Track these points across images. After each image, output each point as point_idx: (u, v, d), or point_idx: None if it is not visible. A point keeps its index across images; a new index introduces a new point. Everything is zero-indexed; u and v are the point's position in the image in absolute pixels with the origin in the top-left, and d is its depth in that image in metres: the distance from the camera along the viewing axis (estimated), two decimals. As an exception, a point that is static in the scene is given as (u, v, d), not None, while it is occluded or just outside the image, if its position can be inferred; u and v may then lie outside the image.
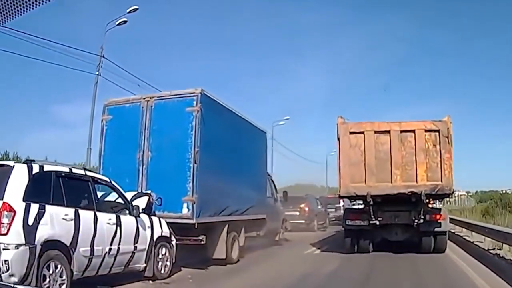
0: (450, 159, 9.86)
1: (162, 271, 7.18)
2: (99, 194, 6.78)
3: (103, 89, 17.03)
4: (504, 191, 46.50)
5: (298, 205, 18.28)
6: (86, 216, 5.78)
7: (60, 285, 5.25)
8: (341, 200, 19.49)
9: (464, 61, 64.91)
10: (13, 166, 5.39)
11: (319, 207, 20.84)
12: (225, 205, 8.54)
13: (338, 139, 10.28)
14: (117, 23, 16.73)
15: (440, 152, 9.85)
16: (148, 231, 6.95)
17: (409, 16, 60.35)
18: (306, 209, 18.81)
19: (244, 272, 8.37)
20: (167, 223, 7.42)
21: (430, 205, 12.15)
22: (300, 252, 11.69)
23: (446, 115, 10.19)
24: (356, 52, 66.48)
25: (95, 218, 5.92)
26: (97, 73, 16.96)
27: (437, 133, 9.94)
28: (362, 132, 10.22)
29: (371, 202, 9.98)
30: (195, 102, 7.77)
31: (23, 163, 5.61)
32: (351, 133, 10.25)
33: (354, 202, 13.57)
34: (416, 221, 10.08)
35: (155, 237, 7.03)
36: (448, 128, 9.90)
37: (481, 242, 11.96)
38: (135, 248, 6.62)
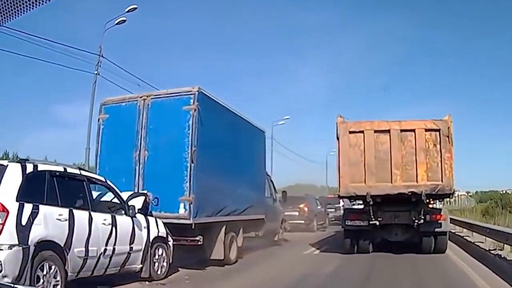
0: (450, 159, 9.79)
1: (159, 272, 7.10)
2: (95, 194, 6.72)
3: (103, 89, 17.02)
4: (504, 191, 46.57)
5: (298, 205, 18.20)
6: (81, 216, 5.69)
7: (54, 286, 5.17)
8: (341, 200, 19.40)
9: (464, 61, 65.09)
10: (7, 165, 5.30)
11: (319, 207, 20.76)
12: (223, 205, 8.46)
13: (338, 138, 10.21)
14: (116, 22, 16.71)
15: (441, 151, 9.78)
16: (144, 231, 6.86)
17: (409, 16, 60.44)
18: (306, 209, 18.73)
19: (242, 273, 8.30)
20: (164, 223, 7.34)
21: (430, 205, 12.09)
22: (299, 252, 11.61)
23: (446, 114, 10.13)
24: (356, 52, 66.64)
25: (90, 218, 5.83)
26: (95, 72, 16.93)
27: (437, 133, 9.87)
28: (362, 132, 10.15)
29: (371, 202, 9.92)
30: (192, 101, 7.68)
31: (17, 162, 5.53)
32: (350, 132, 10.18)
33: (354, 202, 13.50)
34: (416, 221, 10.02)
35: (151, 238, 6.95)
36: (448, 127, 9.83)
37: (482, 242, 11.87)
38: (131, 248, 6.53)
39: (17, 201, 4.95)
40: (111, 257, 6.10)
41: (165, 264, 7.25)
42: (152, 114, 7.96)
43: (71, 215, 5.51)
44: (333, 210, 23.12)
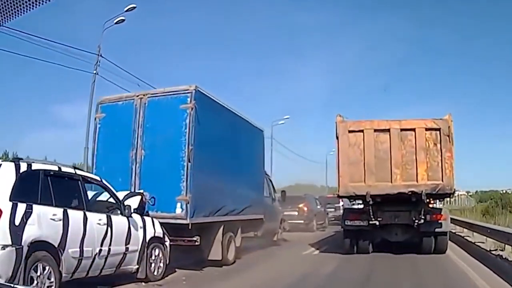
0: (451, 158, 9.71)
1: (155, 273, 7.01)
2: (91, 193, 6.65)
3: (102, 89, 16.96)
4: (504, 191, 46.48)
5: (297, 205, 18.12)
6: (75, 216, 5.61)
7: (49, 287, 5.08)
8: (341, 200, 19.32)
9: (464, 61, 64.98)
10: (0, 164, 5.24)
11: (318, 207, 20.69)
12: (221, 205, 8.37)
13: (337, 137, 10.14)
14: (115, 21, 16.64)
15: (441, 151, 9.71)
16: (141, 231, 6.77)
17: (409, 16, 60.36)
18: (305, 209, 18.65)
19: (240, 273, 8.21)
20: (161, 223, 7.25)
21: (430, 205, 12.01)
22: (298, 252, 11.53)
23: (447, 113, 10.04)
24: (356, 52, 66.53)
25: (85, 218, 5.75)
26: (94, 72, 16.88)
27: (437, 132, 9.80)
28: (362, 131, 10.08)
29: (371, 202, 9.85)
30: (189, 99, 7.59)
31: (11, 161, 5.45)
32: (350, 131, 10.10)
33: (354, 202, 13.42)
34: (416, 221, 9.95)
35: (147, 238, 6.86)
36: (449, 127, 9.76)
37: (483, 242, 11.79)
38: (127, 249, 6.44)
39: (10, 200, 4.88)
40: (106, 258, 6.02)
41: (161, 264, 7.16)
42: (149, 113, 7.87)
43: (66, 215, 5.43)
44: (332, 209, 23.04)
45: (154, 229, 7.06)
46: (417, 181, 9.73)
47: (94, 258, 5.80)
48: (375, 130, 10.04)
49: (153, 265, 6.97)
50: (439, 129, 9.78)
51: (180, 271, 7.83)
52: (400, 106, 59.35)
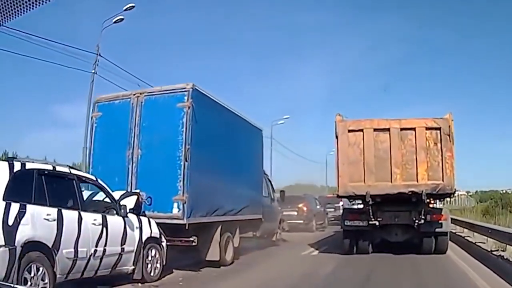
0: (451, 158, 9.63)
1: (152, 274, 6.93)
2: (87, 193, 6.57)
3: (102, 88, 16.86)
4: (504, 191, 46.41)
5: (296, 205, 18.04)
6: (70, 216, 5.54)
7: (42, 288, 5.01)
8: (340, 200, 19.25)
9: (465, 61, 64.92)
10: (-6, 164, 5.16)
11: (318, 207, 20.61)
12: (218, 204, 8.28)
13: (337, 137, 10.06)
14: (113, 21, 16.58)
15: (441, 150, 9.63)
16: (137, 231, 6.69)
17: (409, 16, 60.13)
18: (305, 209, 18.57)
19: (238, 274, 8.13)
20: (157, 223, 7.17)
21: (430, 205, 11.94)
22: (297, 253, 11.45)
23: (447, 113, 9.95)
24: (356, 52, 66.45)
25: (80, 219, 5.67)
26: (93, 71, 16.82)
27: (438, 131, 9.72)
28: (361, 130, 10.00)
29: (371, 202, 9.78)
30: (186, 98, 7.50)
31: (4, 160, 5.38)
32: (349, 131, 10.03)
33: (353, 202, 13.34)
34: (416, 221, 9.88)
35: (144, 238, 6.78)
36: (449, 126, 9.67)
37: (483, 243, 11.71)
38: (123, 249, 6.36)
39: (3, 200, 4.82)
40: (101, 258, 5.94)
41: (158, 265, 7.08)
42: (146, 111, 7.79)
43: (60, 215, 5.36)
44: (332, 209, 22.96)
45: (151, 229, 6.98)
46: (417, 181, 9.65)
47: (89, 258, 5.73)
48: (375, 130, 9.96)
49: (149, 265, 6.89)
50: (439, 129, 9.70)
51: (177, 272, 7.75)
52: (400, 106, 59.37)
